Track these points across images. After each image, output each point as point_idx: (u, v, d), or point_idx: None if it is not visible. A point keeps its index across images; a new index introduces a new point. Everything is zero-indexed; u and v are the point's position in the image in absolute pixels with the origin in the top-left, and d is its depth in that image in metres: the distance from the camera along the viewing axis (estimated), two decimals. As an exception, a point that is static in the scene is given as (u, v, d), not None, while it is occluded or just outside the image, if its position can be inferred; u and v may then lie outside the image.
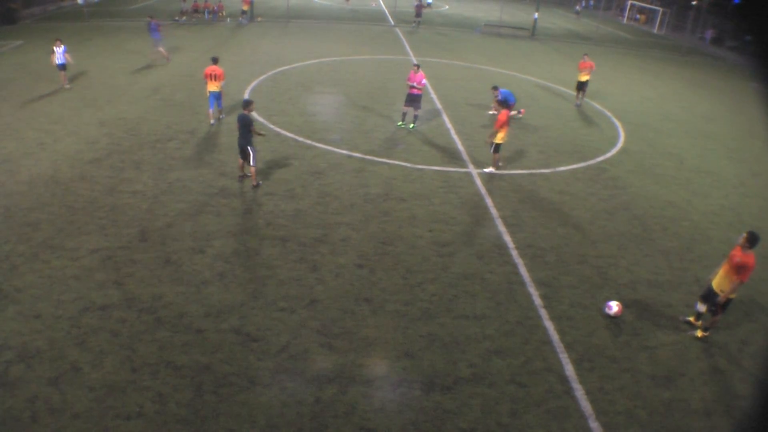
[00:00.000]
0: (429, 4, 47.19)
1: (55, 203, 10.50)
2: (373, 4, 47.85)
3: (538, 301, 8.80)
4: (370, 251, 9.76)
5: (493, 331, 8.03)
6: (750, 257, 7.59)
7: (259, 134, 11.53)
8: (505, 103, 13.68)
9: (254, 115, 15.77)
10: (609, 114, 19.84)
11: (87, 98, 16.68)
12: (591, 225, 11.48)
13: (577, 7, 56.69)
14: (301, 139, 14.58)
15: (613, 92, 23.14)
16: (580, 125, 18.24)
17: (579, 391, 7.05)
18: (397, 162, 13.64)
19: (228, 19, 32.88)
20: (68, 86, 17.33)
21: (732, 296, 7.87)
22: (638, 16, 54.78)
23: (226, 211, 10.73)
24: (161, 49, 21.42)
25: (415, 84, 15.31)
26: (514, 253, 10.12)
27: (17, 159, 12.20)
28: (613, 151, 15.99)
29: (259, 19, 33.37)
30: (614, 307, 8.49)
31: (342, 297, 8.48)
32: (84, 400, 6.29)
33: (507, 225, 11.09)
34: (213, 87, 14.64)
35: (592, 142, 16.61)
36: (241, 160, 11.72)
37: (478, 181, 13.00)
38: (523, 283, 9.23)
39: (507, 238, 10.60)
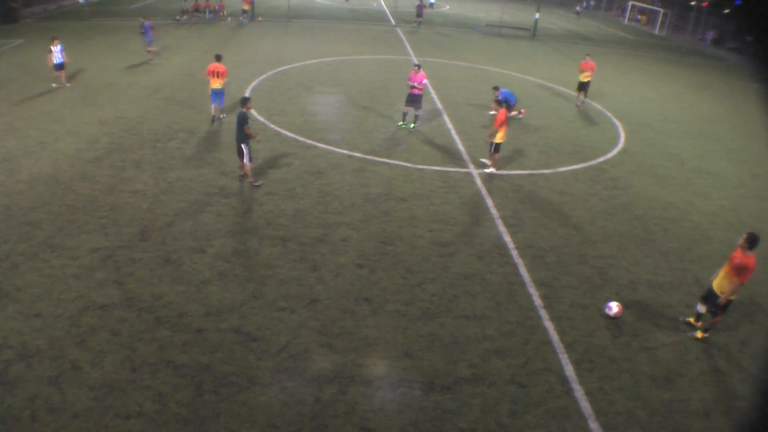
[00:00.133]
0: (431, 5, 47.16)
1: (56, 202, 10.51)
2: (374, 4, 47.86)
3: (538, 301, 8.80)
4: (371, 251, 9.76)
5: (493, 331, 8.03)
6: (750, 258, 7.59)
7: (252, 136, 11.29)
8: (503, 102, 13.67)
9: (254, 114, 15.84)
10: (609, 114, 19.84)
11: (87, 97, 16.68)
12: (591, 225, 11.48)
13: (578, 8, 56.69)
14: (301, 138, 14.58)
15: (613, 93, 23.14)
16: (581, 126, 18.24)
17: (579, 392, 7.05)
18: (397, 162, 13.64)
19: (229, 19, 32.88)
20: (57, 85, 17.26)
21: (732, 297, 7.87)
22: (639, 16, 54.79)
23: (226, 211, 10.73)
24: (152, 48, 21.47)
25: (415, 84, 15.31)
26: (515, 253, 10.12)
27: (17, 158, 12.21)
28: (614, 152, 15.99)
29: (260, 18, 33.37)
30: (614, 307, 8.48)
31: (342, 297, 8.48)
32: (84, 399, 6.30)
33: (507, 225, 11.09)
34: (216, 84, 14.76)
35: (593, 142, 16.61)
36: (239, 159, 11.74)
37: (479, 181, 13.00)
38: (523, 284, 9.23)
39: (507, 239, 10.59)
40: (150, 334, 7.38)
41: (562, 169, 14.28)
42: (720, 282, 7.96)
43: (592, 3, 65.79)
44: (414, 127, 16.10)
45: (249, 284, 8.58)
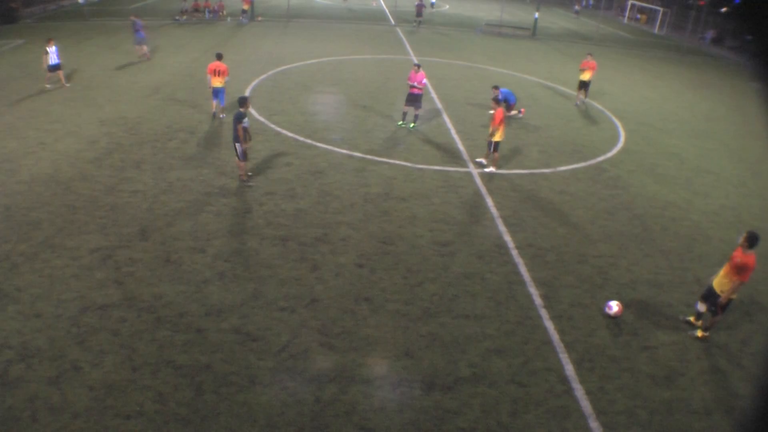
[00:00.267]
0: (432, 5, 47.15)
1: (56, 202, 10.51)
2: (374, 4, 47.86)
3: (538, 300, 8.80)
4: (371, 251, 9.76)
5: (494, 330, 8.03)
6: (750, 257, 7.59)
7: (242, 138, 11.17)
8: (501, 101, 13.65)
9: (254, 114, 15.84)
10: (609, 114, 19.83)
11: (87, 97, 16.68)
12: (591, 225, 11.47)
13: (577, 7, 56.67)
14: (301, 138, 14.58)
15: (613, 92, 23.13)
16: (581, 125, 18.24)
17: (579, 391, 7.05)
18: (397, 161, 13.64)
19: (228, 19, 32.88)
20: (49, 86, 17.20)
21: (732, 296, 7.87)
22: (639, 15, 54.76)
23: (226, 211, 10.73)
24: (144, 47, 21.49)
25: (415, 84, 15.30)
26: (515, 252, 10.12)
27: (18, 158, 12.21)
28: (614, 151, 15.98)
29: (260, 18, 33.36)
30: (614, 306, 8.48)
31: (342, 296, 8.48)
32: (84, 399, 6.30)
33: (507, 225, 11.09)
34: (217, 82, 14.90)
35: (593, 141, 16.61)
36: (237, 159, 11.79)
37: (479, 181, 13.00)
38: (523, 283, 9.23)
39: (507, 238, 10.59)
40: (150, 334, 7.38)
41: (562, 168, 14.28)
42: (720, 281, 7.95)
43: (591, 2, 65.76)
44: (414, 126, 16.09)
45: (249, 284, 8.58)
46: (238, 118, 11.09)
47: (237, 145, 11.32)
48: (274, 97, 18.03)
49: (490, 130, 13.03)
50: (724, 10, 44.24)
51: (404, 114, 16.18)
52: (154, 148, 13.33)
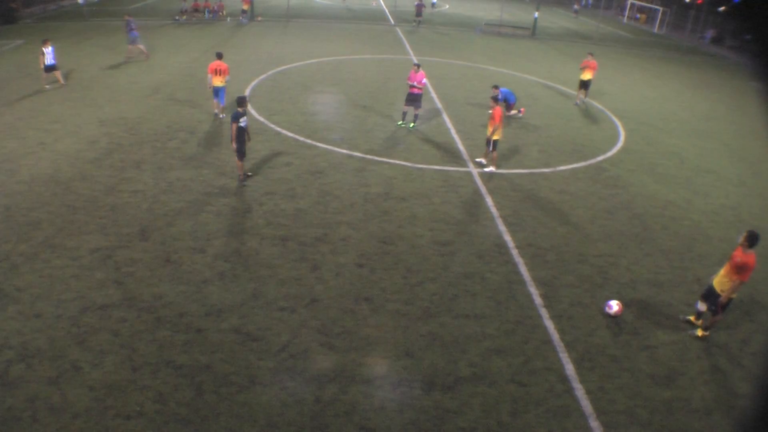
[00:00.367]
0: (433, 5, 47.12)
1: (56, 203, 10.51)
2: (374, 4, 47.85)
3: (538, 300, 8.80)
4: (371, 250, 9.76)
5: (494, 330, 8.03)
6: (750, 257, 7.59)
7: (234, 137, 11.20)
8: (499, 100, 13.62)
9: (254, 114, 15.85)
10: (609, 113, 19.83)
11: (87, 98, 16.68)
12: (591, 224, 11.47)
13: (576, 6, 56.65)
14: (301, 138, 14.58)
15: (613, 91, 23.13)
16: (581, 124, 18.24)
17: (579, 390, 7.05)
18: (397, 161, 13.64)
19: (228, 19, 32.87)
20: (48, 87, 17.20)
21: (733, 296, 7.87)
22: (638, 15, 54.74)
23: (226, 211, 10.73)
24: (134, 46, 21.50)
25: (415, 83, 15.30)
26: (515, 252, 10.12)
27: (17, 158, 12.21)
28: (614, 151, 15.98)
29: (259, 18, 33.35)
30: (614, 306, 8.48)
31: (342, 296, 8.48)
32: (84, 399, 6.30)
33: (507, 224, 11.09)
34: (218, 82, 14.97)
35: (593, 141, 16.61)
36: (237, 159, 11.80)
37: (479, 181, 13.00)
38: (523, 283, 9.23)
39: (507, 238, 10.59)
40: (150, 334, 7.38)
41: (562, 167, 14.28)
42: (720, 280, 7.95)
43: (591, 2, 65.74)
44: (414, 126, 16.09)
45: (249, 284, 8.58)
46: (235, 118, 11.13)
47: (234, 143, 11.37)
48: (274, 97, 18.03)
49: (491, 129, 13.02)
50: (722, 9, 44.23)
51: (404, 114, 16.18)
52: (154, 148, 13.33)
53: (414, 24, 36.21)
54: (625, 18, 55.16)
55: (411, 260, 9.57)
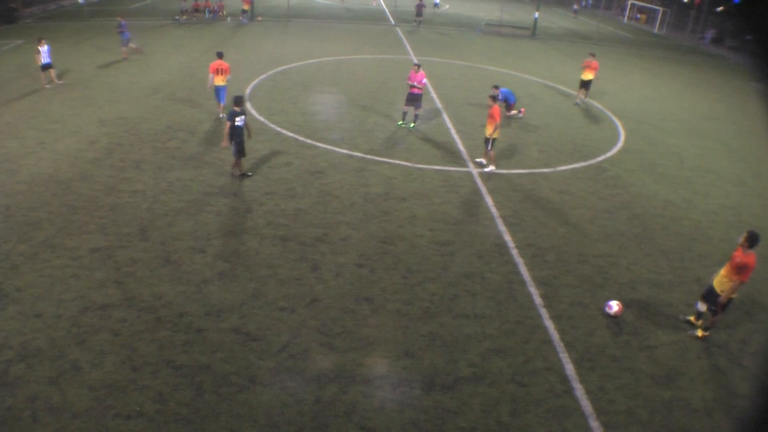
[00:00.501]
0: (436, 5, 47.11)
1: (56, 202, 10.51)
2: (374, 4, 47.85)
3: (538, 300, 8.80)
4: (371, 250, 9.76)
5: (494, 330, 8.03)
6: (751, 257, 7.58)
7: (226, 136, 11.29)
8: (497, 99, 13.62)
9: (254, 114, 15.84)
10: (609, 113, 19.83)
11: (87, 97, 16.68)
12: (591, 224, 11.47)
13: (575, 6, 56.65)
14: (301, 138, 14.58)
15: (613, 91, 23.13)
16: (581, 124, 18.24)
17: (579, 391, 7.05)
18: (397, 161, 13.64)
19: (228, 19, 32.88)
20: (48, 86, 17.22)
21: (733, 296, 7.86)
22: (639, 15, 54.75)
23: (226, 211, 10.73)
24: (128, 47, 21.53)
25: (415, 83, 15.30)
26: (515, 252, 10.12)
27: (18, 158, 12.21)
28: (614, 151, 15.98)
29: (260, 18, 33.35)
30: (614, 306, 8.48)
31: (342, 296, 8.48)
32: (84, 399, 6.30)
33: (507, 224, 11.09)
34: (219, 81, 15.03)
35: (593, 141, 16.61)
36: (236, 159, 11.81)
37: (479, 181, 13.00)
38: (523, 283, 9.23)
39: (507, 238, 10.59)
40: (150, 334, 7.38)
41: (562, 168, 14.28)
42: (720, 280, 7.95)
43: (590, 2, 65.72)
44: (414, 126, 16.09)
45: (249, 284, 8.58)
46: (230, 117, 11.17)
47: (233, 143, 11.39)
48: (274, 97, 18.03)
49: (491, 128, 13.00)
50: (720, 9, 44.23)
51: (404, 114, 16.18)
52: (154, 148, 13.33)
53: (414, 24, 36.21)
54: (626, 18, 55.16)
55: (411, 260, 9.57)
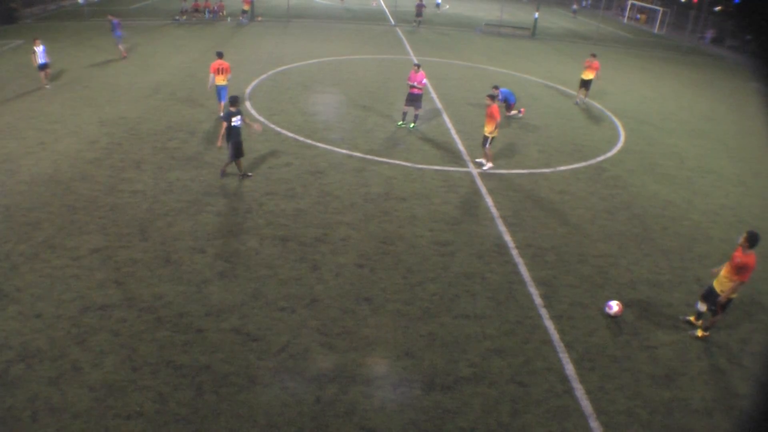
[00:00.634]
0: (437, 5, 47.11)
1: (56, 203, 10.51)
2: (374, 4, 47.86)
3: (538, 300, 8.80)
4: (371, 251, 9.76)
5: (494, 330, 8.03)
6: (751, 257, 7.58)
7: (221, 137, 11.30)
8: (494, 98, 13.62)
9: (254, 114, 15.83)
10: (609, 113, 19.83)
11: (87, 98, 16.68)
12: (591, 224, 11.47)
13: (575, 6, 56.66)
14: (301, 138, 14.58)
15: (613, 92, 23.13)
16: (581, 125, 18.24)
17: (579, 391, 7.05)
18: (397, 161, 13.64)
19: (228, 19, 32.88)
20: (48, 86, 17.24)
21: (733, 296, 7.86)
22: (638, 15, 54.76)
23: (226, 211, 10.73)
24: (120, 46, 21.51)
25: (415, 84, 15.31)
26: (515, 252, 10.12)
27: (17, 158, 12.21)
28: (614, 151, 15.98)
29: (260, 18, 33.36)
30: (614, 306, 8.47)
31: (342, 296, 8.48)
32: (84, 399, 6.30)
33: (507, 224, 11.09)
34: (220, 80, 15.08)
35: (593, 141, 16.61)
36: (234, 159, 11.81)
37: (479, 181, 13.00)
38: (523, 283, 9.23)
39: (507, 238, 10.59)
40: (150, 335, 7.38)
41: (562, 168, 14.28)
42: (720, 280, 7.96)
43: (590, 1, 65.72)
44: (414, 126, 16.09)
45: (249, 284, 8.58)
46: (226, 117, 11.19)
47: (229, 143, 11.40)
48: (274, 97, 18.03)
49: (492, 126, 13.00)
50: (717, 9, 44.24)
51: (404, 114, 16.18)
52: (154, 148, 13.33)
53: (414, 24, 36.21)
54: (626, 18, 55.17)
55: (411, 260, 9.57)
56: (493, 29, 37.59)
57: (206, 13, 33.04)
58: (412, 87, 15.40)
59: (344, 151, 14.01)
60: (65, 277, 8.38)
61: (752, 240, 7.58)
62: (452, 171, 13.41)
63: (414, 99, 15.56)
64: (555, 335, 8.03)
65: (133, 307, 7.86)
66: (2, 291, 7.96)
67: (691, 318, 8.57)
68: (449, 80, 22.40)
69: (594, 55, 19.73)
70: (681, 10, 49.44)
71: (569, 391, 7.04)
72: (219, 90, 15.24)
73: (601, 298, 8.96)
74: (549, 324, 8.26)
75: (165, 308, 7.90)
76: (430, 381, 7.01)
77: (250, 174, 12.19)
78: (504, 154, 14.72)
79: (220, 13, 33.42)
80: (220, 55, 15.04)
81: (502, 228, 10.94)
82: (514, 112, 17.98)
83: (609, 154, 15.63)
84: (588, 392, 7.04)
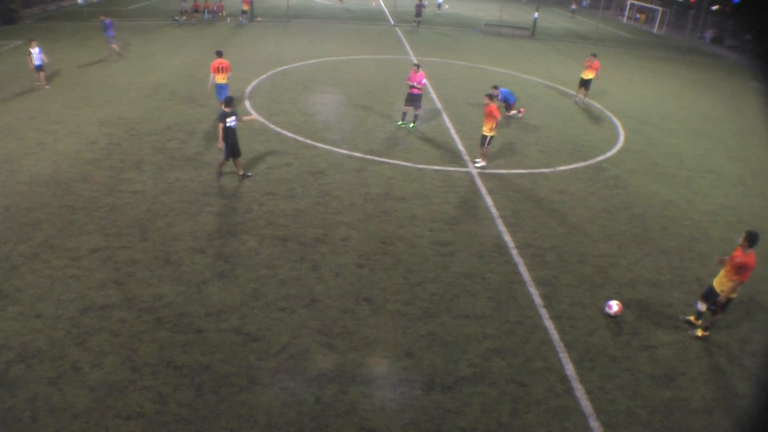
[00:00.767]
0: (438, 5, 47.09)
1: (56, 203, 10.50)
2: (373, 4, 47.84)
3: (538, 300, 8.80)
4: (371, 251, 9.76)
5: (494, 330, 8.03)
6: (750, 257, 7.59)
7: (220, 137, 11.30)
8: (493, 97, 13.63)
9: (254, 114, 15.83)
10: (609, 113, 19.84)
11: (87, 98, 16.68)
12: (591, 224, 11.47)
13: (573, 6, 56.66)
14: (301, 138, 14.58)
15: (613, 91, 23.13)
16: (581, 124, 18.24)
17: (579, 391, 7.05)
18: (397, 161, 13.64)
19: (228, 19, 32.87)
20: (48, 87, 17.26)
21: (732, 296, 7.87)
22: (638, 15, 54.75)
23: (226, 211, 10.73)
24: (113, 46, 21.52)
25: (415, 84, 15.31)
26: (515, 252, 10.12)
27: (17, 159, 12.21)
28: (613, 151, 15.98)
29: (259, 18, 33.35)
30: (614, 306, 8.48)
31: (342, 297, 8.48)
32: (84, 400, 6.30)
33: (507, 224, 11.09)
34: (220, 79, 15.14)
35: (592, 141, 16.61)
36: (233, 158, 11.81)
37: (478, 181, 13.00)
38: (523, 283, 9.23)
39: (507, 238, 10.59)
40: (150, 335, 7.38)
41: (562, 168, 14.28)
42: (720, 280, 7.96)
43: (589, 1, 65.71)
44: (413, 126, 16.10)
45: (249, 284, 8.58)
46: (221, 118, 11.19)
47: (224, 143, 11.42)
48: (274, 97, 18.03)
49: (491, 125, 13.01)
50: (715, 8, 44.23)
51: (404, 114, 16.18)
52: (153, 148, 13.33)
53: (414, 24, 36.21)
54: (625, 18, 55.16)
55: (411, 260, 9.57)
56: (492, 29, 37.59)
57: (206, 13, 33.03)
58: (412, 87, 15.40)
59: (344, 151, 14.01)
60: (65, 277, 8.38)
61: (752, 240, 7.59)
62: (452, 171, 13.42)
63: (414, 99, 15.56)
64: (555, 335, 8.03)
65: (133, 308, 7.86)
66: (2, 291, 7.96)
67: (691, 318, 8.57)
68: (449, 80, 22.41)
69: (594, 55, 19.75)
70: (680, 9, 49.45)
71: (569, 390, 7.05)
72: (219, 88, 15.28)
73: (601, 298, 8.96)
74: (549, 324, 8.26)
75: (165, 308, 7.90)
76: (430, 381, 7.01)
77: (249, 174, 12.19)
78: (504, 154, 14.73)
79: (220, 14, 33.41)
80: (219, 54, 15.09)
81: (502, 228, 10.94)
82: (513, 112, 17.98)
83: (609, 154, 15.63)
84: (588, 392, 7.04)
